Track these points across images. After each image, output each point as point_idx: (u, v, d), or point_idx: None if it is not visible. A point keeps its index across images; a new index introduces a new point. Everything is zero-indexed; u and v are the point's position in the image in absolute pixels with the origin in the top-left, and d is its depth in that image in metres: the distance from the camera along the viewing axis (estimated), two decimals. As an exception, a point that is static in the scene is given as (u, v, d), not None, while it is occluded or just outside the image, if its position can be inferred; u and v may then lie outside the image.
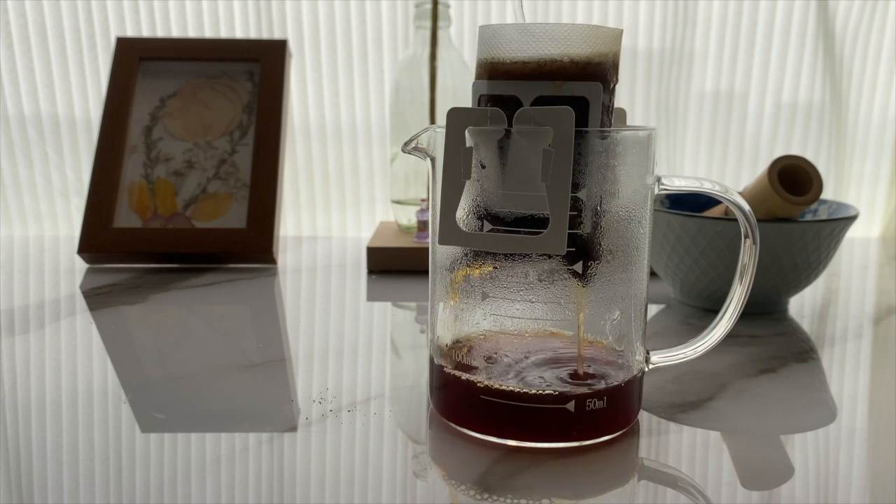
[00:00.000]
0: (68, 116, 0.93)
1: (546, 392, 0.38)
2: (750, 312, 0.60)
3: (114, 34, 0.91)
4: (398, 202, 0.83)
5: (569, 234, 0.35)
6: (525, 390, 0.38)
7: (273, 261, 0.77)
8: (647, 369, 0.42)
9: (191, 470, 0.37)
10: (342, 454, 0.39)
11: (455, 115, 0.36)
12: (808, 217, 0.64)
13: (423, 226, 0.78)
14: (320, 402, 0.44)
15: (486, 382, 0.38)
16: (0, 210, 0.95)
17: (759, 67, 0.97)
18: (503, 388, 0.38)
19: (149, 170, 0.79)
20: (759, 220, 0.53)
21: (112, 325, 0.59)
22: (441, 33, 0.79)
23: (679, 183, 0.41)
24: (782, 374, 0.50)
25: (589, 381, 0.39)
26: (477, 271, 0.39)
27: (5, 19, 0.90)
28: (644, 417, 0.43)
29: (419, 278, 0.73)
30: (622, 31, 0.38)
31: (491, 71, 0.37)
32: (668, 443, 0.41)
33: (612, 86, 0.37)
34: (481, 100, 0.38)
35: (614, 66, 0.37)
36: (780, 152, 0.98)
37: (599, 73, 0.36)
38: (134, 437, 0.40)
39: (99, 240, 0.76)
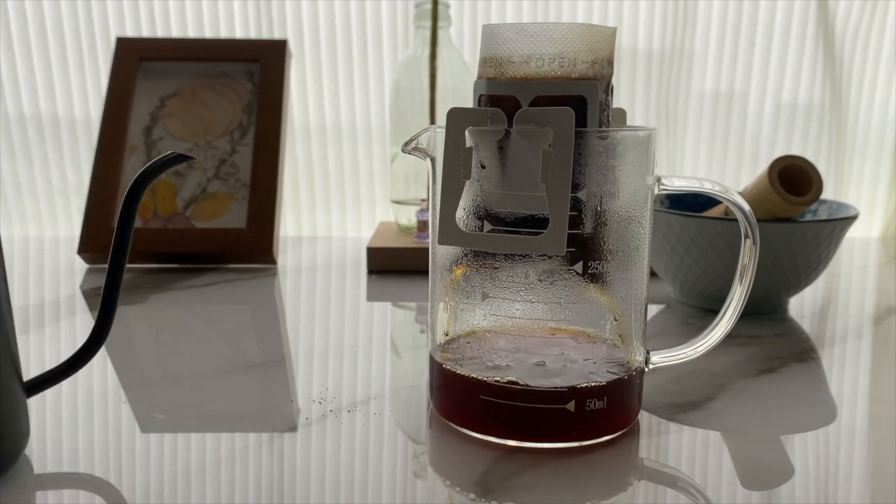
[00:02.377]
0: (68, 116, 0.93)
1: (546, 392, 0.37)
2: (750, 312, 0.60)
3: (114, 34, 0.91)
4: (398, 202, 0.83)
5: (569, 234, 0.35)
6: (525, 390, 0.38)
7: (273, 261, 0.77)
8: (647, 369, 0.42)
9: (191, 470, 0.37)
10: (342, 454, 0.39)
11: (455, 115, 0.36)
12: (808, 217, 0.64)
13: (423, 226, 0.78)
14: (320, 403, 0.44)
15: (486, 382, 0.38)
16: (0, 210, 0.95)
17: (759, 67, 0.97)
18: (503, 387, 0.38)
19: (149, 170, 0.79)
20: (759, 220, 0.53)
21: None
22: (441, 33, 0.79)
23: (679, 183, 0.41)
24: (782, 374, 0.50)
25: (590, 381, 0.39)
26: (473, 270, 0.39)
27: (5, 19, 0.90)
28: (644, 417, 0.43)
29: (419, 278, 0.73)
30: (616, 28, 0.38)
31: (489, 70, 0.37)
32: (668, 443, 0.41)
33: (608, 84, 0.37)
34: (481, 99, 0.38)
35: (610, 65, 0.37)
36: (780, 152, 0.98)
37: (596, 72, 0.37)
38: (134, 437, 0.40)
39: (99, 240, 0.76)
